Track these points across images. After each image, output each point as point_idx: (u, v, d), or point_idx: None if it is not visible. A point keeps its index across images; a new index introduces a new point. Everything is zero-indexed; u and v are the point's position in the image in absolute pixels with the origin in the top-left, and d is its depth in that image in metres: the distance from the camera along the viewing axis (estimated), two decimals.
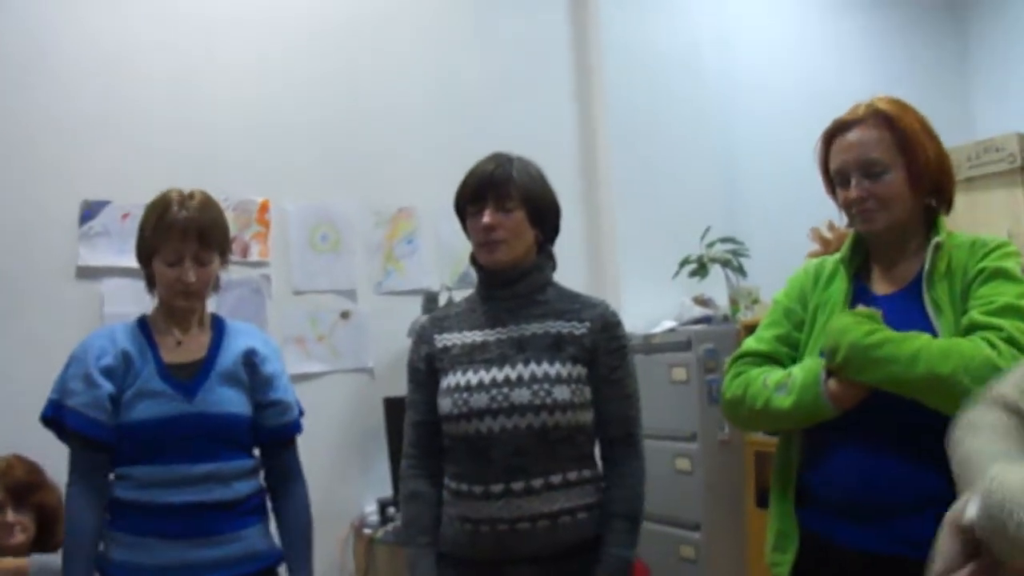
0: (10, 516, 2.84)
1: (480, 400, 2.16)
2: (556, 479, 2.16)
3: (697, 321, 4.15)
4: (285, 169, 3.75)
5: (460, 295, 3.81)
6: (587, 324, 2.23)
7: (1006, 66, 5.50)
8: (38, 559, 2.75)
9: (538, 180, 2.28)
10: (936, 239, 1.91)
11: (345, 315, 3.83)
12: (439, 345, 2.28)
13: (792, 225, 3.95)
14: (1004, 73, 5.50)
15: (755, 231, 4.40)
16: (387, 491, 3.68)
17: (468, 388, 2.18)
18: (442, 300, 3.84)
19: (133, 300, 3.36)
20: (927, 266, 1.90)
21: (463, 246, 3.92)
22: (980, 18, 5.67)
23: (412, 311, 3.77)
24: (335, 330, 3.81)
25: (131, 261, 3.35)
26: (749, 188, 4.75)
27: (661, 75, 4.56)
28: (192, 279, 2.27)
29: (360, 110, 3.95)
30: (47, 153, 3.35)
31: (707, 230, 4.27)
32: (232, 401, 2.32)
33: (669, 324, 4.11)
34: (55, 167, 3.36)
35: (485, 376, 2.18)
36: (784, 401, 1.94)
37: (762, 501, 3.79)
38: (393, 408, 3.54)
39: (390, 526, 3.48)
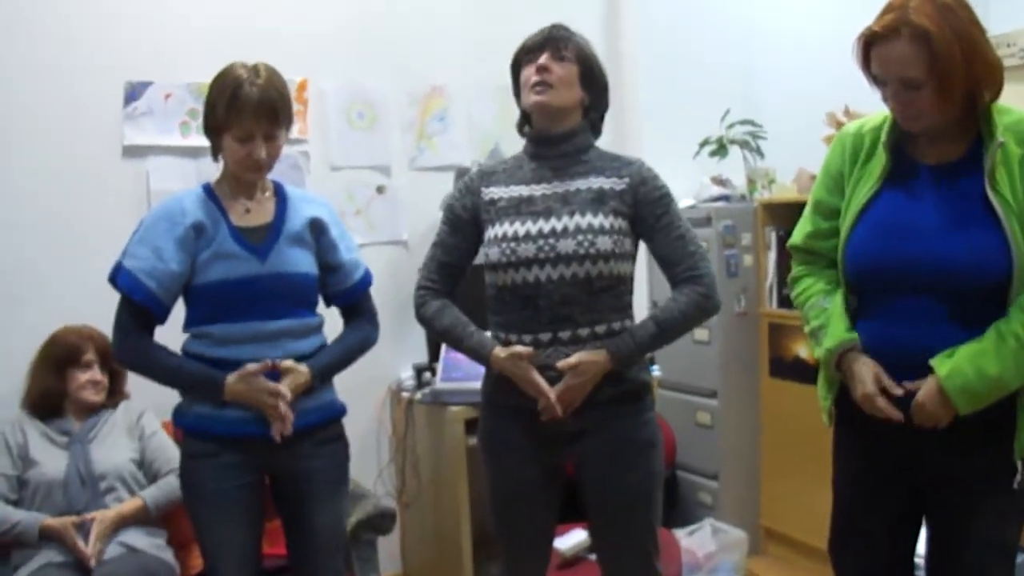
0: (99, 374, 3.02)
1: (527, 249, 2.28)
2: (601, 329, 2.29)
3: (715, 199, 4.30)
4: (322, 49, 3.80)
5: None
6: (626, 180, 2.34)
7: None
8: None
9: (593, 52, 2.41)
10: (1000, 140, 1.99)
11: (380, 189, 3.94)
12: (486, 197, 2.39)
13: (808, 110, 4.07)
14: None
15: (773, 115, 4.49)
16: (423, 357, 3.87)
17: (516, 238, 2.30)
18: None
19: (178, 176, 3.51)
20: (988, 164, 1.99)
21: (492, 124, 4.09)
22: None
23: (444, 186, 3.88)
24: (371, 204, 3.93)
25: (174, 139, 3.53)
26: (768, 73, 4.84)
27: None
28: (263, 156, 2.37)
29: None
30: (91, 37, 3.41)
31: (727, 112, 4.39)
32: (301, 262, 2.46)
33: (689, 202, 4.26)
34: (99, 51, 3.42)
35: (532, 227, 2.30)
36: (815, 351, 2.22)
37: (775, 370, 4.00)
38: None
39: (427, 389, 3.68)
